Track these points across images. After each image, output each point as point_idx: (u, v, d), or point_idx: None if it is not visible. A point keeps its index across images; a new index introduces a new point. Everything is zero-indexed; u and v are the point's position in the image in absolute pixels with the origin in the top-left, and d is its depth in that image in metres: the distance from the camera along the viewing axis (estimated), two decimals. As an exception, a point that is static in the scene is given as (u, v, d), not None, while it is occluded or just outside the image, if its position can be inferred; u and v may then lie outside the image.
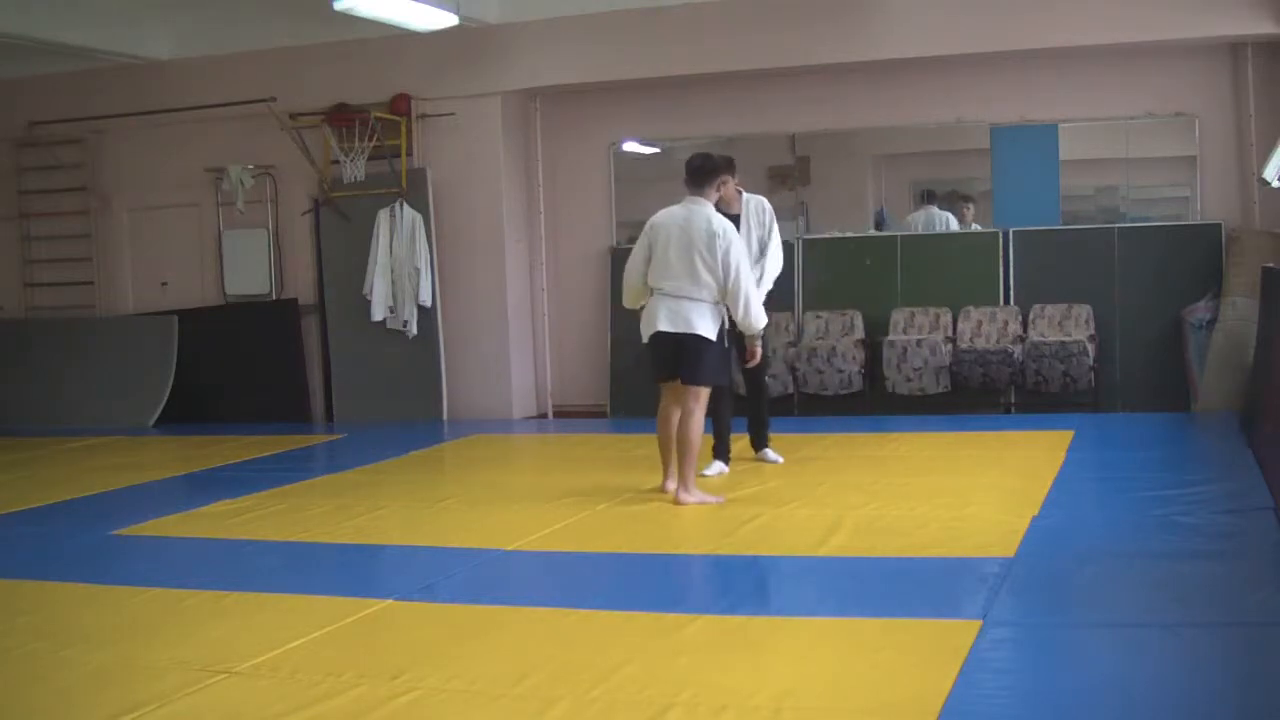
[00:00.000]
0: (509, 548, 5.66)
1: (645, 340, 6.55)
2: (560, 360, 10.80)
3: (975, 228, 9.90)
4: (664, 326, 6.37)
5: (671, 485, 6.59)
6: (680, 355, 6.40)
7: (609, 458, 8.14)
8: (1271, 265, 7.78)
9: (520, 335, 10.61)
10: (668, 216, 6.49)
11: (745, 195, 7.29)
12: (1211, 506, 5.77)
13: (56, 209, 11.47)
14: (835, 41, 9.46)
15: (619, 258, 10.34)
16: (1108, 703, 3.44)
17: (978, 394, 9.27)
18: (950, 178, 10.32)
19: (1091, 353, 9.00)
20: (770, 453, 7.49)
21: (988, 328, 9.48)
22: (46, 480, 8.08)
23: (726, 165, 6.84)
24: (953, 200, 10.09)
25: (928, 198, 10.17)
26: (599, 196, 10.63)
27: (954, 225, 10.04)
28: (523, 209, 10.65)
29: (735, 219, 7.16)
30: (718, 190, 6.66)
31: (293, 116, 10.45)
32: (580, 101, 10.60)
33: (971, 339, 9.45)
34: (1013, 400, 9.45)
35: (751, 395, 7.55)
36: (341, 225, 10.56)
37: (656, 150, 10.68)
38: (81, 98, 11.17)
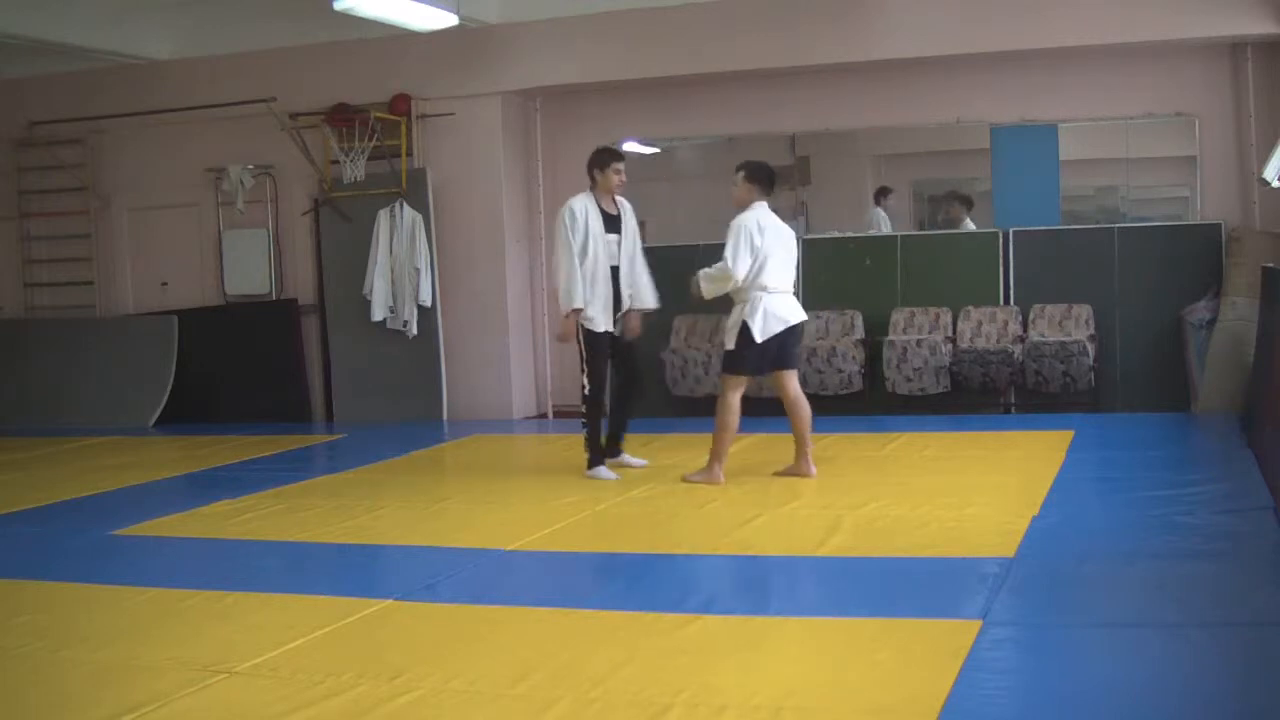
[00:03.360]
0: (509, 548, 5.66)
1: (769, 336, 6.80)
2: (560, 360, 10.78)
3: (970, 226, 9.89)
4: (793, 319, 6.91)
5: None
6: (791, 344, 7.00)
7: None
8: (1271, 265, 7.77)
9: (520, 335, 10.61)
10: (769, 221, 6.91)
11: (617, 198, 7.44)
12: (1211, 506, 5.77)
13: (56, 209, 11.48)
14: (835, 41, 9.46)
15: (619, 258, 10.35)
16: (1108, 703, 3.44)
17: (978, 394, 9.27)
18: (950, 178, 10.33)
19: (1091, 353, 8.99)
20: (628, 456, 7.59)
21: (988, 328, 9.47)
22: (46, 480, 8.08)
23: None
24: (951, 200, 10.10)
25: (878, 197, 10.24)
26: (599, 196, 10.62)
27: (887, 227, 10.10)
28: (523, 209, 10.64)
29: (616, 219, 7.28)
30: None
31: (293, 116, 10.45)
32: (580, 101, 10.60)
33: (971, 339, 9.44)
34: (1013, 400, 9.44)
35: (635, 391, 7.71)
36: (341, 225, 10.55)
37: (656, 150, 10.67)
38: (81, 98, 11.18)
